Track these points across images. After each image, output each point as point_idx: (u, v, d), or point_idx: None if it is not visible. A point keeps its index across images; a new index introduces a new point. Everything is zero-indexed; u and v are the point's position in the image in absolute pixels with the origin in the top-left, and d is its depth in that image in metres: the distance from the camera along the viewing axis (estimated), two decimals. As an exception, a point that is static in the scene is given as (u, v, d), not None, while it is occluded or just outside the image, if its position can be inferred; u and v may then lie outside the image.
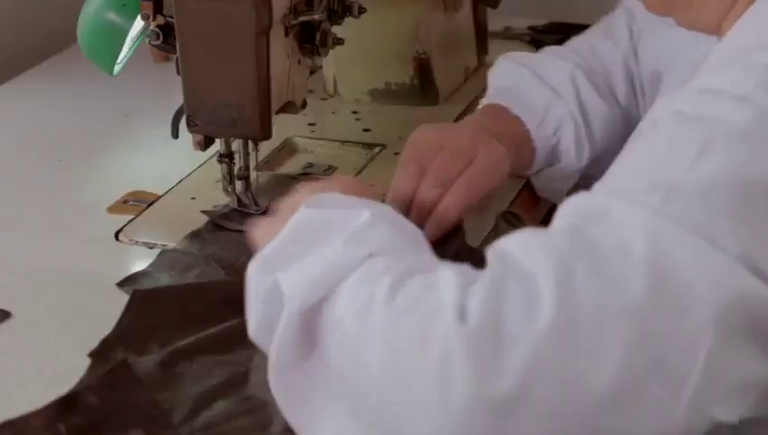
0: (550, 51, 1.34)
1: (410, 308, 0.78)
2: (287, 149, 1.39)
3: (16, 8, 1.76)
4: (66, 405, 0.93)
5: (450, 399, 0.74)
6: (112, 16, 1.23)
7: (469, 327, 0.75)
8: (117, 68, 1.27)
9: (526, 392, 0.74)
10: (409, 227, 0.91)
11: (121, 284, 1.12)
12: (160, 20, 1.14)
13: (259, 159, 1.22)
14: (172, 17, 1.13)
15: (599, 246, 0.77)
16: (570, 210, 0.82)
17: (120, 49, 1.24)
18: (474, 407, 0.74)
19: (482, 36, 1.60)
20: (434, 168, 1.14)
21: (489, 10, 1.59)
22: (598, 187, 0.84)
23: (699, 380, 0.76)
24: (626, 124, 1.29)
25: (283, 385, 0.85)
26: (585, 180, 1.28)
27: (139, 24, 1.22)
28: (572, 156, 1.27)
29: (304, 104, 1.24)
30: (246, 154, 1.19)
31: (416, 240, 0.89)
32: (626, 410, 0.75)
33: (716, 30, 0.97)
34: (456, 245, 1.11)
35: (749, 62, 0.84)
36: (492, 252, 0.81)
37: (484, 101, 1.30)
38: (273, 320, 0.85)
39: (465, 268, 0.81)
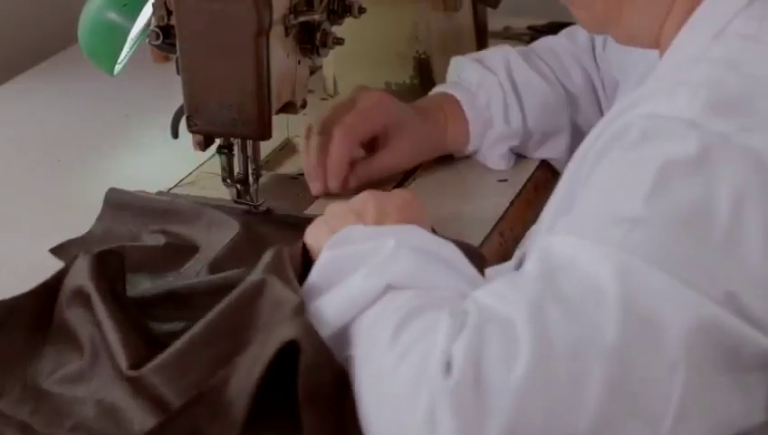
0: None
1: (408, 351, 0.81)
2: (287, 149, 1.39)
3: (16, 8, 1.76)
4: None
5: None
6: (113, 16, 1.23)
7: (452, 380, 0.77)
8: (117, 68, 1.27)
9: None
10: (446, 250, 0.92)
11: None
12: (160, 20, 1.14)
13: (259, 160, 1.22)
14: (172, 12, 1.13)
15: (570, 291, 0.78)
16: (540, 254, 0.82)
17: (121, 49, 1.24)
18: None
19: (482, 36, 1.60)
20: (318, 121, 1.24)
21: (489, 10, 1.59)
22: (564, 224, 0.85)
23: (675, 415, 0.77)
24: (575, 112, 1.33)
25: None
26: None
27: (139, 24, 1.22)
28: (501, 120, 1.30)
29: (304, 104, 1.24)
30: (246, 155, 1.19)
31: (449, 264, 0.91)
32: None
33: (654, 44, 0.98)
34: None
35: (690, 81, 0.85)
36: (470, 301, 0.82)
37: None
38: None
39: (465, 311, 0.82)
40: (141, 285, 1.08)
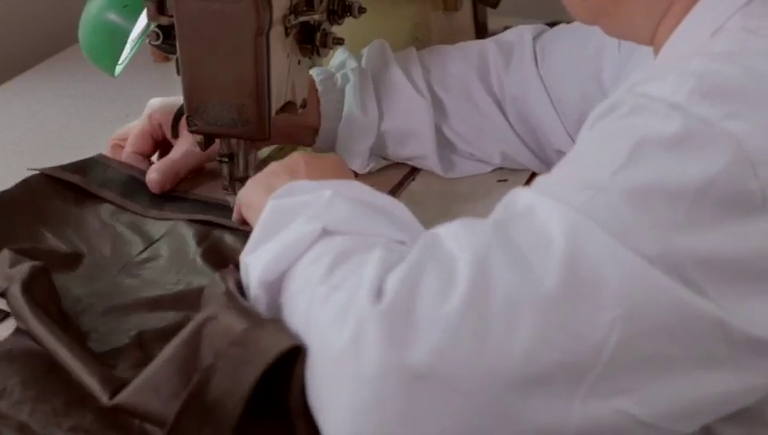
0: None
1: (339, 286, 0.84)
2: (287, 148, 1.39)
3: (16, 8, 1.76)
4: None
5: (361, 371, 0.78)
6: (113, 17, 1.23)
7: (382, 306, 0.79)
8: (118, 69, 1.27)
9: (434, 368, 0.77)
10: (384, 201, 0.96)
11: None
12: (161, 20, 1.14)
13: (259, 159, 1.22)
14: (172, 16, 1.13)
15: (520, 239, 0.80)
16: (503, 204, 0.85)
17: (122, 50, 1.24)
18: (382, 379, 0.78)
19: (482, 36, 1.60)
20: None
21: (489, 10, 1.59)
22: (536, 182, 0.86)
23: (603, 370, 0.78)
24: (442, 118, 1.31)
25: None
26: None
27: (140, 24, 1.22)
28: (357, 109, 1.28)
29: (304, 104, 1.24)
30: (246, 154, 1.19)
31: (386, 213, 0.94)
32: (531, 394, 0.78)
33: (648, 41, 0.98)
34: None
35: (685, 68, 0.85)
36: (425, 234, 0.85)
37: None
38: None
39: (402, 249, 0.86)
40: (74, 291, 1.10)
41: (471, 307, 0.78)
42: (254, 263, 0.92)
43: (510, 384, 0.77)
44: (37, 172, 1.27)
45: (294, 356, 0.84)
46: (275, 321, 0.88)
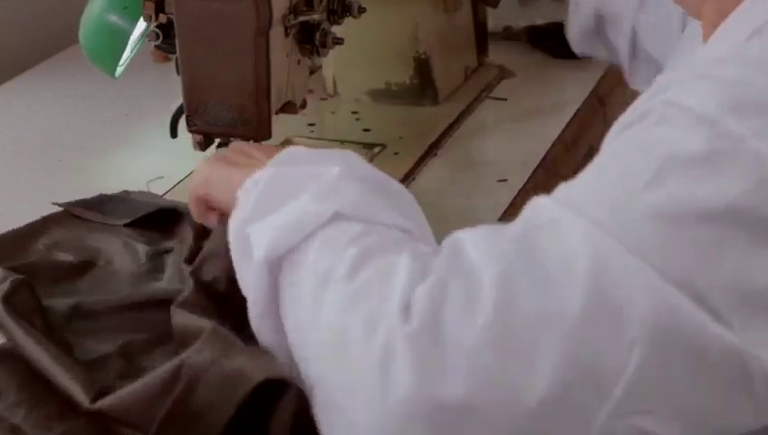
0: None
1: (365, 292, 0.81)
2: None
3: (16, 8, 1.76)
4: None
5: (389, 395, 0.76)
6: (114, 19, 1.23)
7: (411, 326, 0.77)
8: (119, 70, 1.27)
9: (469, 397, 0.76)
10: (390, 185, 0.93)
11: None
12: (161, 19, 1.14)
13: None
14: (172, 14, 1.13)
15: (543, 256, 0.79)
16: (527, 214, 0.83)
17: (122, 51, 1.24)
18: (414, 408, 0.76)
19: (482, 36, 1.60)
20: None
21: (489, 10, 1.59)
22: (560, 190, 0.84)
23: (625, 389, 0.77)
24: None
25: (262, 331, 0.89)
26: None
27: (140, 26, 1.22)
28: None
29: (304, 104, 1.24)
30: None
31: (393, 200, 0.91)
32: (555, 415, 0.77)
33: (696, 14, 0.96)
34: None
35: (718, 76, 0.83)
36: (449, 240, 0.83)
37: None
38: (245, 275, 0.90)
39: (427, 253, 0.83)
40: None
41: (496, 325, 0.77)
42: (259, 235, 0.87)
43: (536, 405, 0.76)
44: (61, 209, 1.24)
45: (277, 389, 0.83)
46: (268, 354, 0.86)
